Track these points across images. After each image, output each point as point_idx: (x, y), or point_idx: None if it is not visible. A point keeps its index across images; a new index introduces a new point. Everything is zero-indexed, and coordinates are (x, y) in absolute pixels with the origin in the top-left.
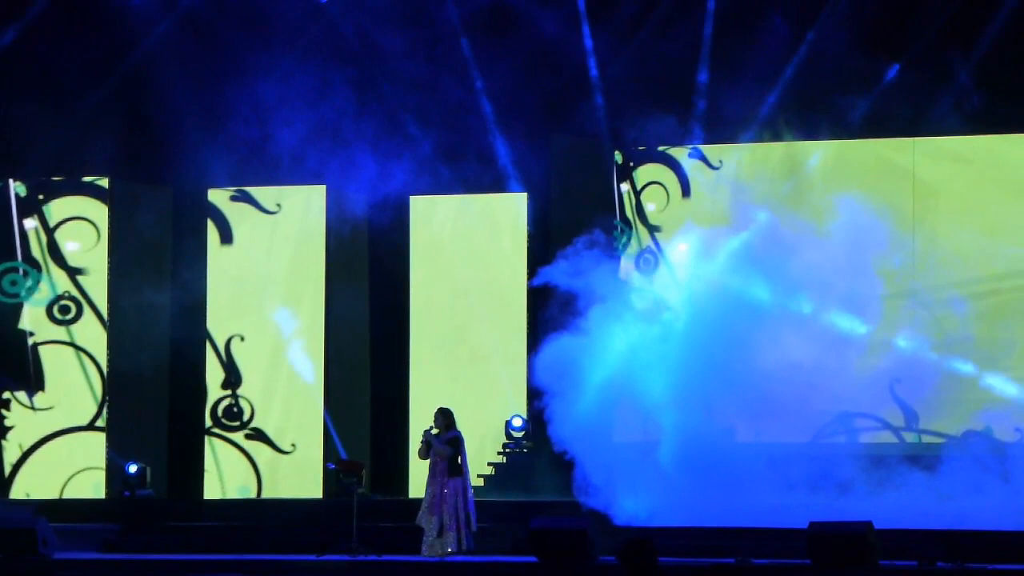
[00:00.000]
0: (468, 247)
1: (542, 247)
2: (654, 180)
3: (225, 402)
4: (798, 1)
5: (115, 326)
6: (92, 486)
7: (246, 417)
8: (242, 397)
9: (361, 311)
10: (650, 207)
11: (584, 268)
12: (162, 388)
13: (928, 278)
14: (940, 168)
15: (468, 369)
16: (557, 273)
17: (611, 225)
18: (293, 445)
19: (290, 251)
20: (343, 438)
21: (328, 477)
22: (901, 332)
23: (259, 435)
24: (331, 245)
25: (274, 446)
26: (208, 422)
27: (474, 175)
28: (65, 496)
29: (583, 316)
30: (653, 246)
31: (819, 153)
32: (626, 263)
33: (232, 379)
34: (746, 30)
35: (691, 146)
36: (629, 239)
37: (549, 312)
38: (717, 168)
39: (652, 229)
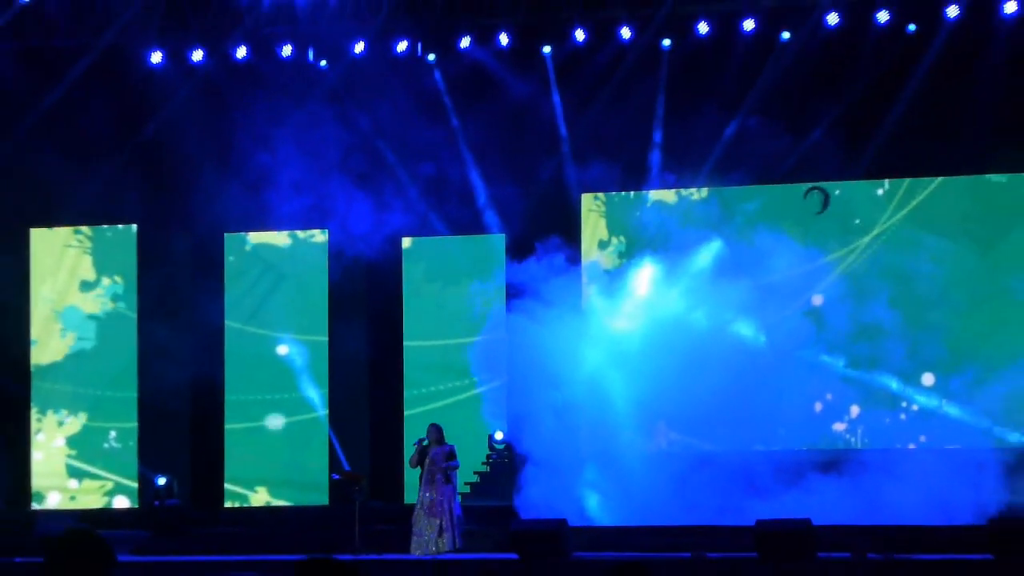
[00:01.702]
0: (453, 282)
1: (517, 281)
2: (616, 219)
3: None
4: (736, 76)
5: (145, 359)
6: (128, 497)
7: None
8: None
9: (360, 340)
10: (612, 242)
11: (552, 298)
12: (182, 421)
13: (850, 306)
14: (860, 206)
15: (454, 389)
16: (528, 300)
17: (577, 257)
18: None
19: (297, 287)
20: (346, 452)
21: (333, 486)
22: (828, 352)
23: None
24: (333, 281)
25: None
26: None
27: (457, 218)
28: (103, 507)
29: (553, 341)
30: (615, 276)
31: (756, 197)
32: (590, 291)
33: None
34: (693, 94)
35: (647, 190)
36: (594, 270)
37: (522, 339)
38: (669, 208)
39: (614, 261)
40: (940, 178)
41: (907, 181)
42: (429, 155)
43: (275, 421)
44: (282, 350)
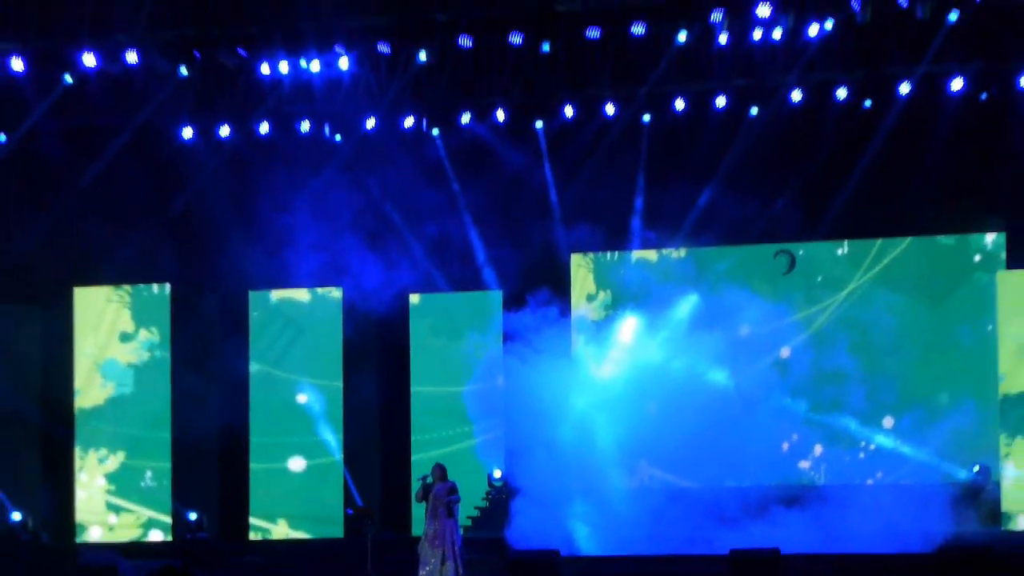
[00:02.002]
0: (455, 334)
1: (513, 332)
2: (602, 275)
3: (266, 465)
4: (709, 148)
5: (178, 405)
6: (162, 531)
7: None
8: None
9: (372, 388)
10: (599, 296)
11: (544, 347)
12: (212, 461)
13: (813, 355)
14: (822, 265)
15: (458, 436)
16: (523, 349)
17: (567, 310)
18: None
19: (314, 340)
20: (359, 489)
21: (347, 520)
22: (793, 397)
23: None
24: (347, 334)
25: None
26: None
27: (459, 276)
28: (139, 540)
29: (545, 386)
30: (601, 326)
31: (728, 257)
32: (579, 340)
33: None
34: (671, 164)
35: (630, 251)
36: (583, 322)
37: (518, 384)
38: (650, 266)
39: (600, 313)
40: (896, 239)
41: (867, 242)
42: (433, 219)
43: (297, 463)
44: (302, 398)
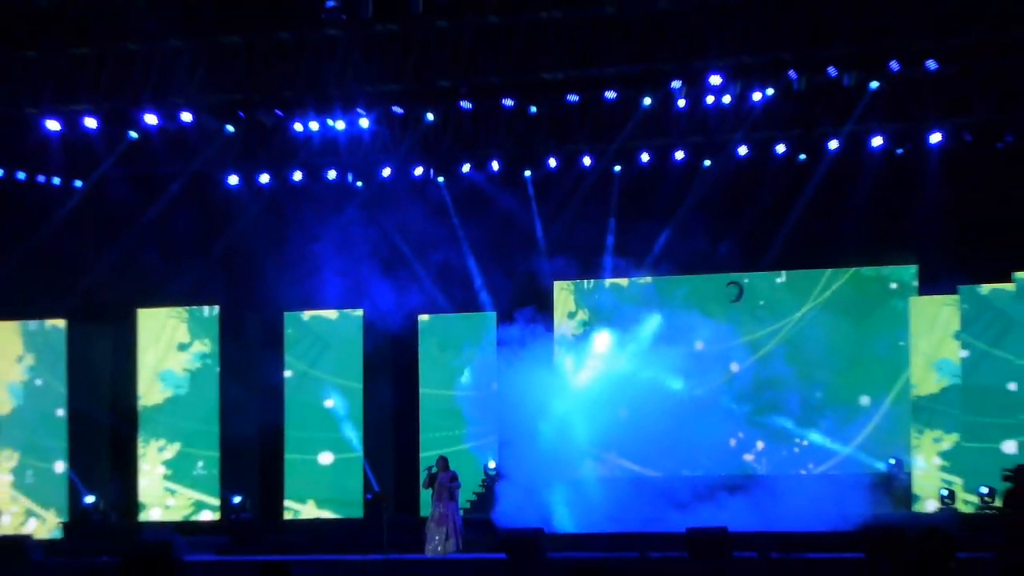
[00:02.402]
0: (457, 348)
1: (505, 346)
2: (580, 298)
3: (298, 456)
4: (669, 193)
5: (224, 406)
6: (211, 511)
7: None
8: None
9: (387, 393)
10: (577, 316)
11: (531, 358)
12: (254, 453)
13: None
14: (763, 291)
15: (457, 431)
16: (513, 361)
17: (551, 327)
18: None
19: (339, 353)
20: (376, 477)
21: (366, 503)
22: (739, 401)
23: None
24: (367, 348)
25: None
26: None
27: (459, 299)
28: (192, 519)
29: (531, 391)
30: (579, 340)
31: (685, 285)
32: (560, 352)
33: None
34: (637, 206)
35: (603, 279)
36: (563, 337)
37: (508, 390)
38: (621, 291)
39: (578, 330)
40: (826, 270)
41: (802, 272)
42: (437, 251)
43: (326, 457)
44: (329, 403)
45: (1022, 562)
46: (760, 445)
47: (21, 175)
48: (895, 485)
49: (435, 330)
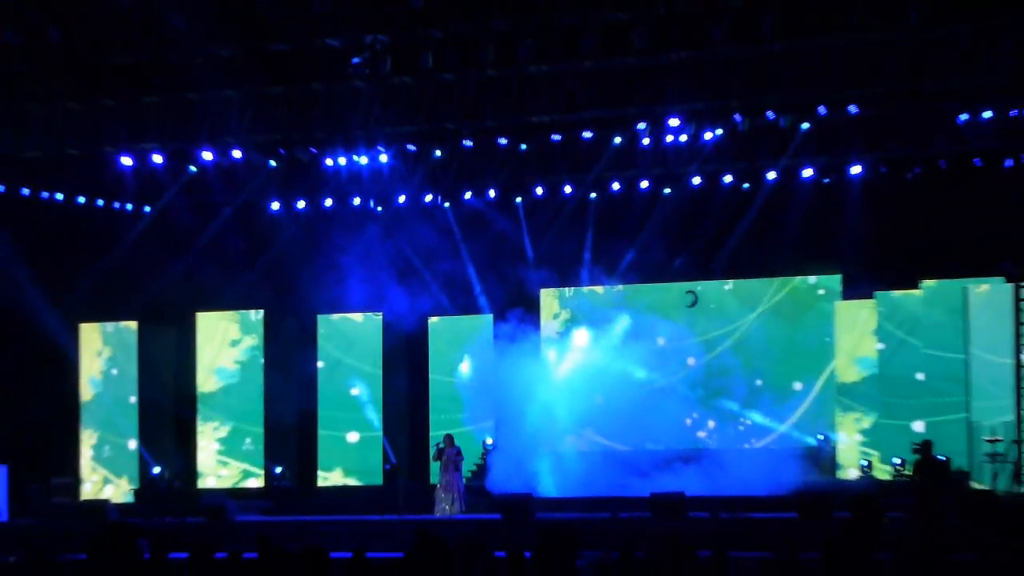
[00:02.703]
0: (459, 344)
1: (500, 342)
2: (563, 301)
3: (329, 433)
4: (636, 216)
5: (268, 393)
6: (257, 479)
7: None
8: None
9: (403, 382)
10: (560, 315)
11: (520, 352)
12: (292, 432)
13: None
14: (713, 297)
15: (460, 413)
16: (507, 354)
17: (538, 326)
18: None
19: (363, 349)
20: (394, 451)
21: (385, 473)
22: (693, 387)
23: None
24: (387, 347)
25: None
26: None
27: (462, 303)
28: (241, 486)
29: (522, 379)
30: (562, 336)
31: (650, 292)
32: (548, 345)
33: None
34: (610, 228)
35: (582, 286)
36: (549, 334)
37: (503, 378)
38: (597, 296)
39: (561, 327)
40: (767, 278)
41: (746, 281)
42: (444, 264)
43: (352, 436)
44: (355, 390)
45: (929, 519)
46: (711, 424)
47: (100, 202)
48: (822, 457)
49: (442, 329)
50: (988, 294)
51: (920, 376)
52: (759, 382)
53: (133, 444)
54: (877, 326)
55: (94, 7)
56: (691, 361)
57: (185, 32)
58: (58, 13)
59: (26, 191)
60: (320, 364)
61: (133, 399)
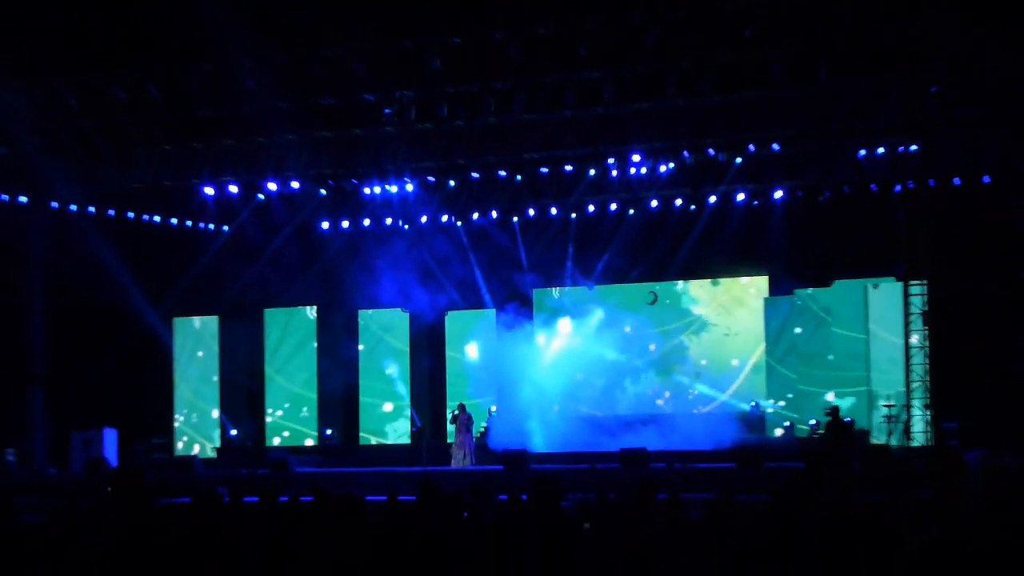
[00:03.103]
0: (468, 332)
1: (501, 331)
2: (550, 298)
3: (368, 400)
4: (606, 233)
5: (320, 371)
6: (312, 439)
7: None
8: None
9: (425, 363)
10: (546, 309)
11: (517, 338)
12: (339, 402)
13: (664, 341)
14: (669, 294)
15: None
16: (506, 339)
17: (531, 317)
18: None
19: (394, 337)
20: (419, 416)
21: (412, 435)
22: (654, 366)
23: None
24: (412, 335)
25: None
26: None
27: (471, 301)
28: (299, 445)
29: (519, 359)
30: (550, 325)
31: (618, 292)
32: (539, 332)
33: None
34: (588, 242)
35: (566, 287)
36: (539, 323)
37: (505, 359)
38: (578, 293)
39: (548, 319)
40: (708, 279)
41: (696, 282)
42: (457, 269)
43: (387, 406)
44: (389, 370)
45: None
46: (667, 394)
47: (188, 223)
48: (754, 419)
49: (456, 321)
50: (883, 290)
51: (831, 357)
52: (704, 361)
53: (215, 413)
54: (796, 315)
55: (185, 71)
56: (652, 346)
57: (255, 91)
58: (157, 74)
59: (131, 214)
60: (360, 347)
61: (215, 377)
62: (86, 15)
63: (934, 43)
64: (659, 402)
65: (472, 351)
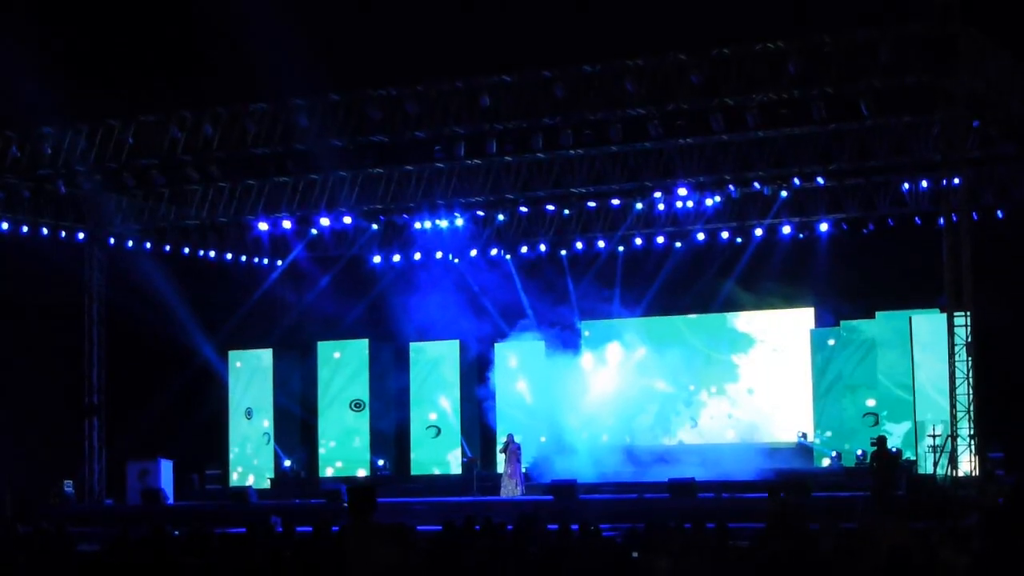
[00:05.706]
0: (516, 364)
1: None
2: (595, 330)
3: (420, 432)
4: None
5: (372, 404)
6: (364, 469)
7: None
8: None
9: (474, 395)
10: (593, 338)
11: (565, 369)
12: (391, 433)
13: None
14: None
15: (519, 415)
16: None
17: (579, 349)
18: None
19: (445, 369)
20: (469, 447)
21: (463, 465)
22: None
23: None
24: (462, 362)
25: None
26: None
27: (521, 333)
28: (352, 475)
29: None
30: (599, 356)
31: (665, 323)
32: (587, 364)
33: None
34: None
35: (613, 319)
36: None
37: (551, 391)
38: (624, 325)
39: (597, 349)
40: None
41: (746, 312)
42: (506, 301)
43: (439, 437)
44: (444, 402)
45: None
46: (713, 424)
47: (243, 258)
48: (801, 450)
49: (504, 352)
50: (927, 321)
51: (876, 387)
52: (750, 392)
53: (269, 443)
54: (842, 347)
55: (239, 111)
56: (697, 378)
57: (308, 128)
58: (212, 114)
59: (186, 250)
60: (412, 385)
61: (269, 408)
62: (145, 58)
63: (971, 80)
64: (704, 432)
65: (521, 383)
